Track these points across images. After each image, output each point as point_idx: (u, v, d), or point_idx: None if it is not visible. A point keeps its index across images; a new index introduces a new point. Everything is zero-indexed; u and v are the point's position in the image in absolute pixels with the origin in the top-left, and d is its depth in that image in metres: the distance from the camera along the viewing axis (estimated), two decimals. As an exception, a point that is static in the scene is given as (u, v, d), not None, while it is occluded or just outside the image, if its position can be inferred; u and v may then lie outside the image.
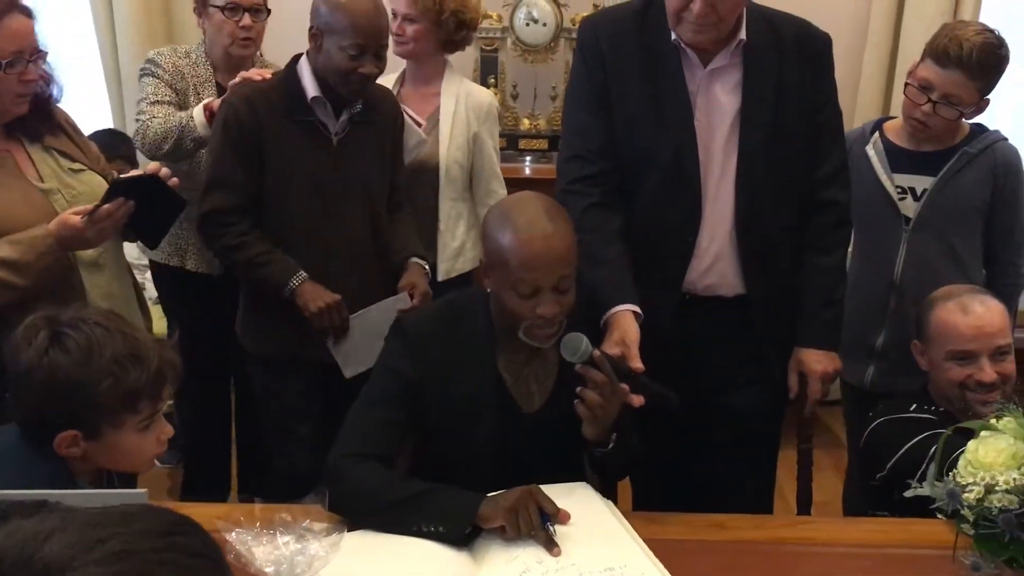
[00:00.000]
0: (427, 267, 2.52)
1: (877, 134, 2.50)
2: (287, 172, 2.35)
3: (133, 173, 2.16)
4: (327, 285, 2.36)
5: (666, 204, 2.07)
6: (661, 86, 2.04)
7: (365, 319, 2.38)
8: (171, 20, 3.75)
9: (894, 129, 2.50)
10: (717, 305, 2.10)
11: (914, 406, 2.08)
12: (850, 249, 2.30)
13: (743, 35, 2.01)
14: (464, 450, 1.85)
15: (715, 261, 2.08)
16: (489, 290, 1.83)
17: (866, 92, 3.80)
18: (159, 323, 2.93)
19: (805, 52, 2.06)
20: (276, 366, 2.46)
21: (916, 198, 2.43)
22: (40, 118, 2.11)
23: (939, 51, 2.31)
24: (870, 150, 2.48)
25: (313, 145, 2.36)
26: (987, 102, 2.37)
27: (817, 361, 2.12)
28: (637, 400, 1.76)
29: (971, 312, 2.02)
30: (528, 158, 3.69)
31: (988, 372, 2.00)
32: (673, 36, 2.00)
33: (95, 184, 2.16)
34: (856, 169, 2.40)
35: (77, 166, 2.16)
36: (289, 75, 2.39)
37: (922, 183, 2.42)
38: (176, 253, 2.82)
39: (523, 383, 1.88)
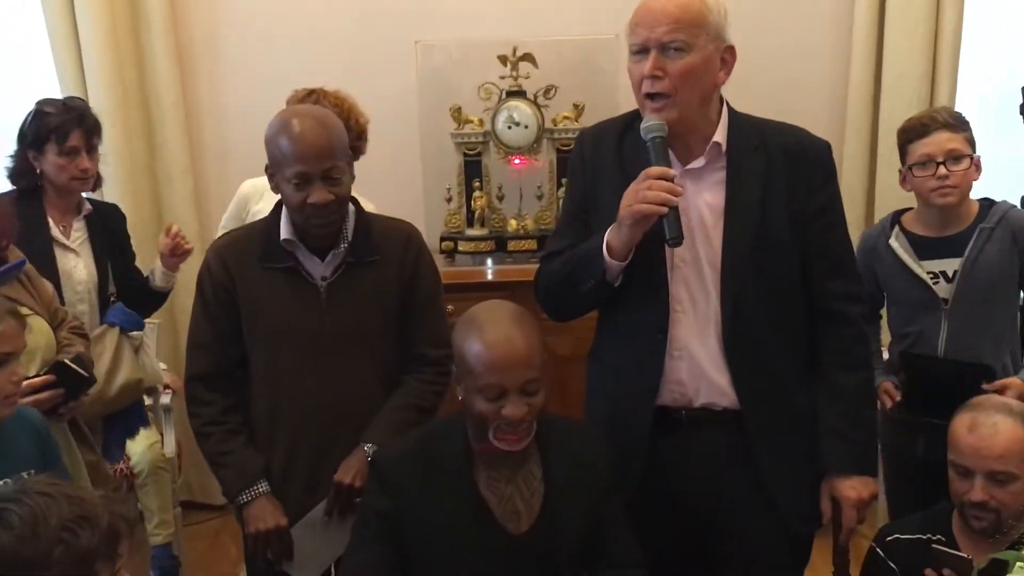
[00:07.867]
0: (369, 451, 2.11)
1: (898, 227, 2.56)
2: (268, 326, 2.14)
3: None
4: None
5: (638, 310, 1.98)
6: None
7: (312, 524, 2.12)
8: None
9: (912, 220, 2.57)
10: (708, 421, 1.98)
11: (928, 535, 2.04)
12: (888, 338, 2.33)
13: (719, 138, 1.95)
14: None
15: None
16: (460, 397, 1.82)
17: (851, 175, 3.73)
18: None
19: (797, 160, 1.98)
20: None
21: (948, 280, 2.47)
22: None
23: (919, 129, 2.46)
24: (894, 243, 2.53)
25: (297, 294, 2.12)
26: (979, 159, 2.47)
27: (851, 487, 1.97)
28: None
29: (976, 430, 1.97)
30: (489, 260, 3.68)
31: (977, 492, 1.95)
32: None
33: (38, 331, 2.25)
34: (884, 263, 2.51)
35: (25, 310, 2.19)
36: (271, 217, 2.17)
37: (951, 265, 2.48)
38: None
39: (507, 503, 1.83)
